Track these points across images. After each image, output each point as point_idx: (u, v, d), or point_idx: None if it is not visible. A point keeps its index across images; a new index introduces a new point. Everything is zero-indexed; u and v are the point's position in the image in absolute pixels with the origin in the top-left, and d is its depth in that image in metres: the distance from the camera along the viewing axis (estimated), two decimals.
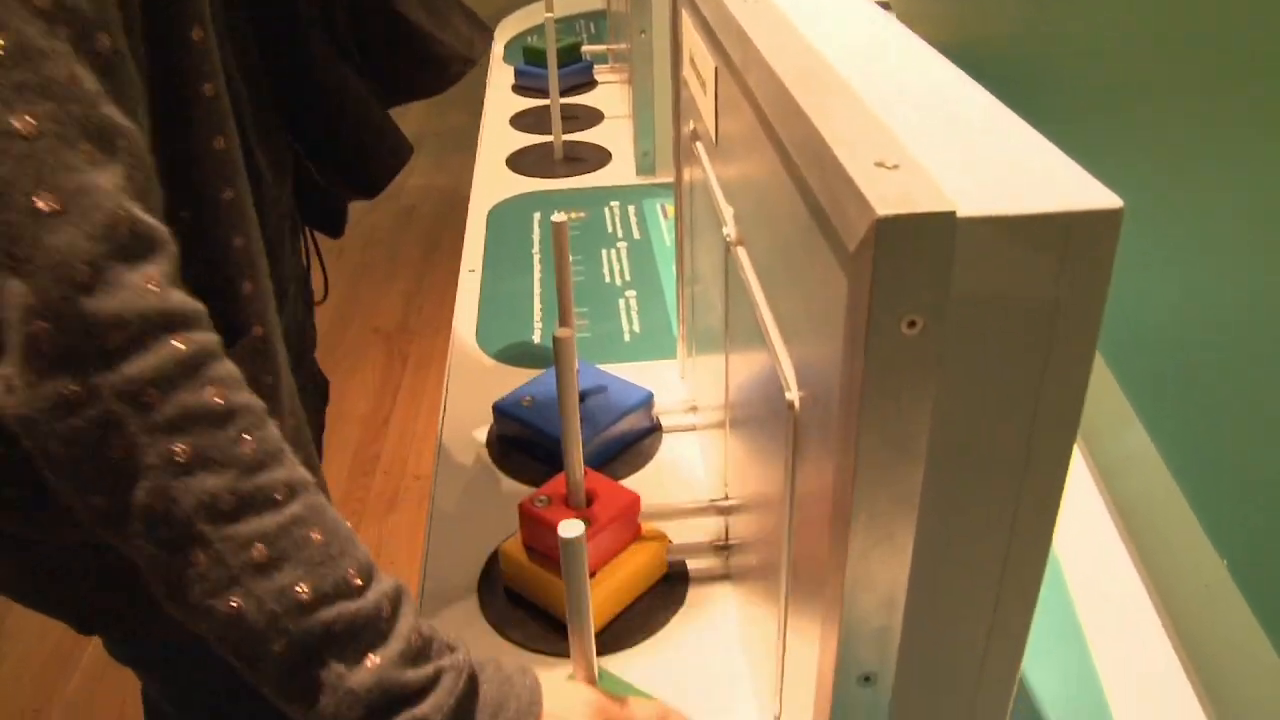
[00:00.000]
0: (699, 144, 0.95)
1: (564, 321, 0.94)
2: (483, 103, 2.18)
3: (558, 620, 0.92)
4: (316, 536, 0.62)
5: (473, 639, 0.92)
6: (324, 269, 1.10)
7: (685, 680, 0.88)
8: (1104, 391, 1.04)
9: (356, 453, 2.70)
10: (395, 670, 0.63)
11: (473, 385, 1.26)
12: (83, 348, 0.56)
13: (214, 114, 0.73)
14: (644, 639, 0.92)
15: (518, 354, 1.32)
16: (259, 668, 0.62)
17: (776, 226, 0.62)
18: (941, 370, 0.46)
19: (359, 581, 0.63)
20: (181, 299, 0.60)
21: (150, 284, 0.58)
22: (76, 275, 0.56)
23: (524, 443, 1.13)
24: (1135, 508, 1.03)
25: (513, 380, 1.25)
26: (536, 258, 1.55)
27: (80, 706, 2.08)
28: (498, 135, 2.01)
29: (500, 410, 1.13)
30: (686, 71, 1.00)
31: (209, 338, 0.61)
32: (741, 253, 0.75)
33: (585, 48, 2.27)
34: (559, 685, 0.74)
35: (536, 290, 1.46)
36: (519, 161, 1.88)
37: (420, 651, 0.65)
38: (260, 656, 0.61)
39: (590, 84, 2.24)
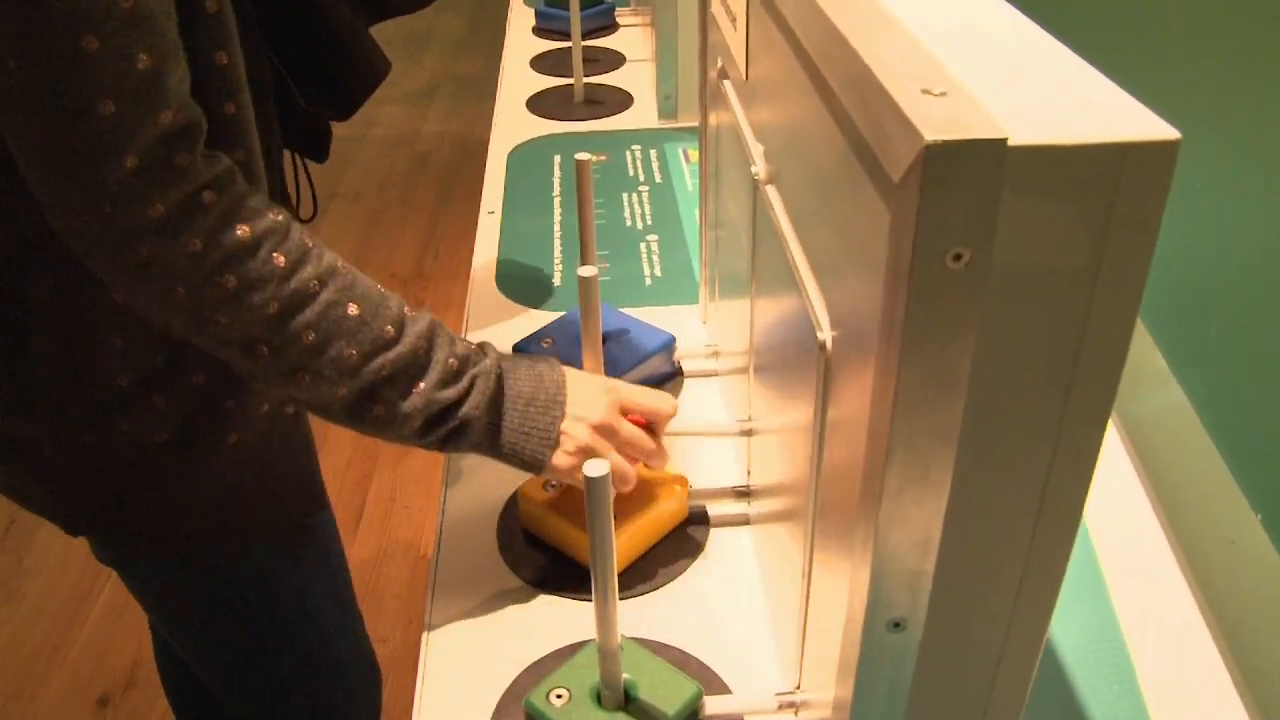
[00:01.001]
0: (727, 83, 0.93)
1: (586, 260, 0.93)
2: (499, 48, 2.15)
3: (576, 563, 0.92)
4: (353, 310, 0.77)
5: (491, 582, 0.92)
6: (313, 189, 1.10)
7: (704, 627, 0.87)
8: (1135, 343, 1.02)
9: None
10: (438, 391, 0.80)
11: (492, 326, 1.25)
12: (144, 219, 0.69)
13: (218, 30, 0.75)
14: (663, 584, 0.91)
15: (537, 295, 1.31)
16: (331, 412, 0.79)
17: (811, 161, 0.61)
18: (985, 304, 0.45)
19: (393, 332, 0.78)
20: (211, 165, 0.72)
21: (191, 162, 0.70)
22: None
23: None
24: (1161, 459, 1.01)
25: (532, 321, 1.24)
26: (557, 200, 1.53)
27: (97, 644, 2.09)
28: (518, 77, 1.98)
29: (520, 351, 1.12)
30: (715, 8, 0.97)
31: (235, 187, 0.73)
32: (771, 191, 0.73)
33: None
34: (580, 377, 0.88)
35: (556, 232, 1.45)
36: (539, 104, 1.86)
37: (457, 371, 0.81)
38: (329, 405, 0.78)
39: (612, 26, 2.21)
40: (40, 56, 0.64)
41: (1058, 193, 0.43)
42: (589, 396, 0.86)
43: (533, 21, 2.25)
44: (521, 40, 2.17)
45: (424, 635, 0.88)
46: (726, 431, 1.00)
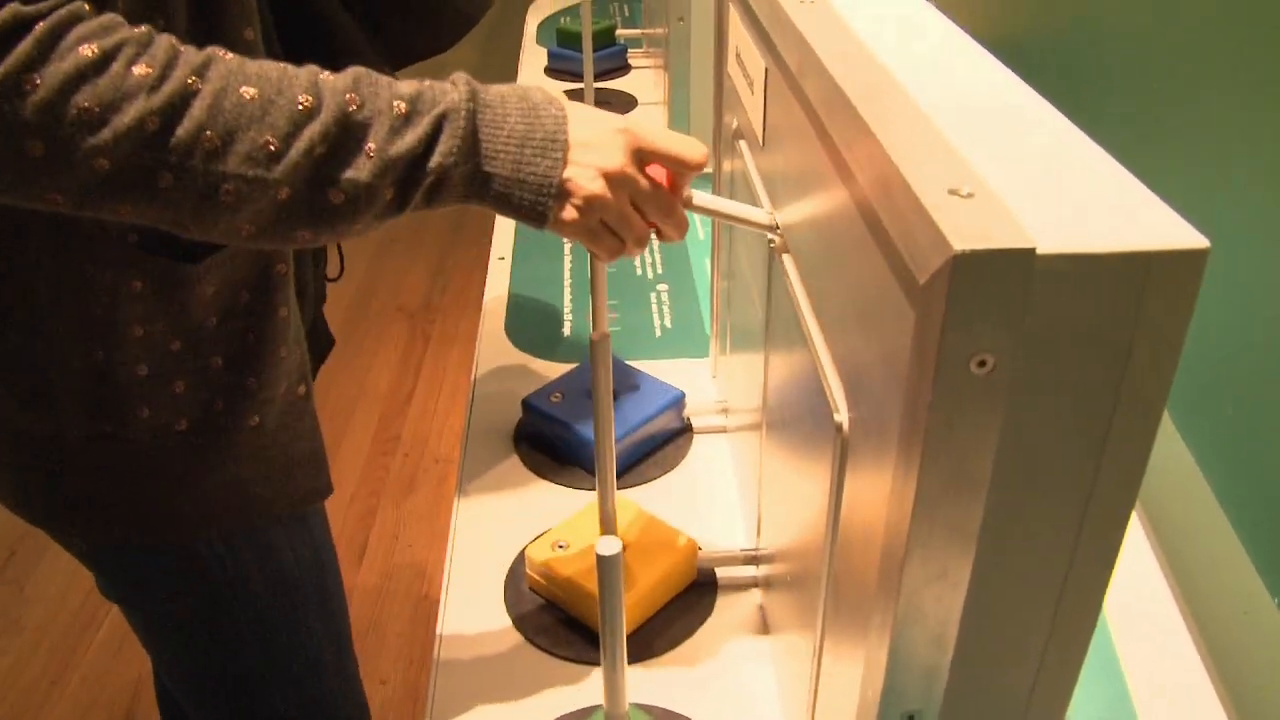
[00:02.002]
0: (742, 142, 0.93)
1: (598, 322, 0.92)
2: (508, 81, 2.16)
3: (581, 624, 0.91)
4: (249, 93, 0.65)
5: (498, 640, 0.91)
6: (339, 246, 1.09)
7: (713, 692, 0.86)
8: None
9: (377, 432, 2.69)
10: (391, 144, 0.67)
11: (501, 377, 1.25)
12: None
13: (244, 5, 0.75)
14: (672, 648, 0.90)
15: (547, 346, 1.30)
16: (289, 220, 0.67)
17: (830, 241, 0.60)
18: (1008, 405, 0.44)
19: (310, 100, 0.66)
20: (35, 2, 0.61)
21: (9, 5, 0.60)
22: None
23: (552, 439, 1.11)
24: (1175, 531, 1.00)
25: (541, 372, 1.24)
26: (567, 246, 1.53)
27: (97, 677, 2.08)
28: None
29: (529, 406, 1.11)
30: (732, 68, 0.97)
31: (66, 9, 0.62)
32: (788, 261, 0.73)
33: (620, 31, 2.25)
34: (586, 111, 0.74)
35: (567, 279, 1.44)
36: None
37: (408, 115, 0.68)
38: (280, 213, 0.66)
39: (624, 68, 2.22)
40: None
41: (1084, 298, 0.42)
42: (598, 135, 0.74)
43: (545, 62, 2.25)
44: (534, 80, 2.18)
45: (429, 704, 0.87)
46: (757, 220, 0.82)
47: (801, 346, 0.70)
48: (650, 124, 0.75)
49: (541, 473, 1.10)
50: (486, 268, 1.51)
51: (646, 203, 0.75)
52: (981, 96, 0.56)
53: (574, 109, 0.74)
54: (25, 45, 0.60)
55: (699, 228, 1.58)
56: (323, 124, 0.66)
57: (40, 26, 0.60)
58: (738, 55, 0.93)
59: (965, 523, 0.47)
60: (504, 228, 1.59)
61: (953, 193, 0.43)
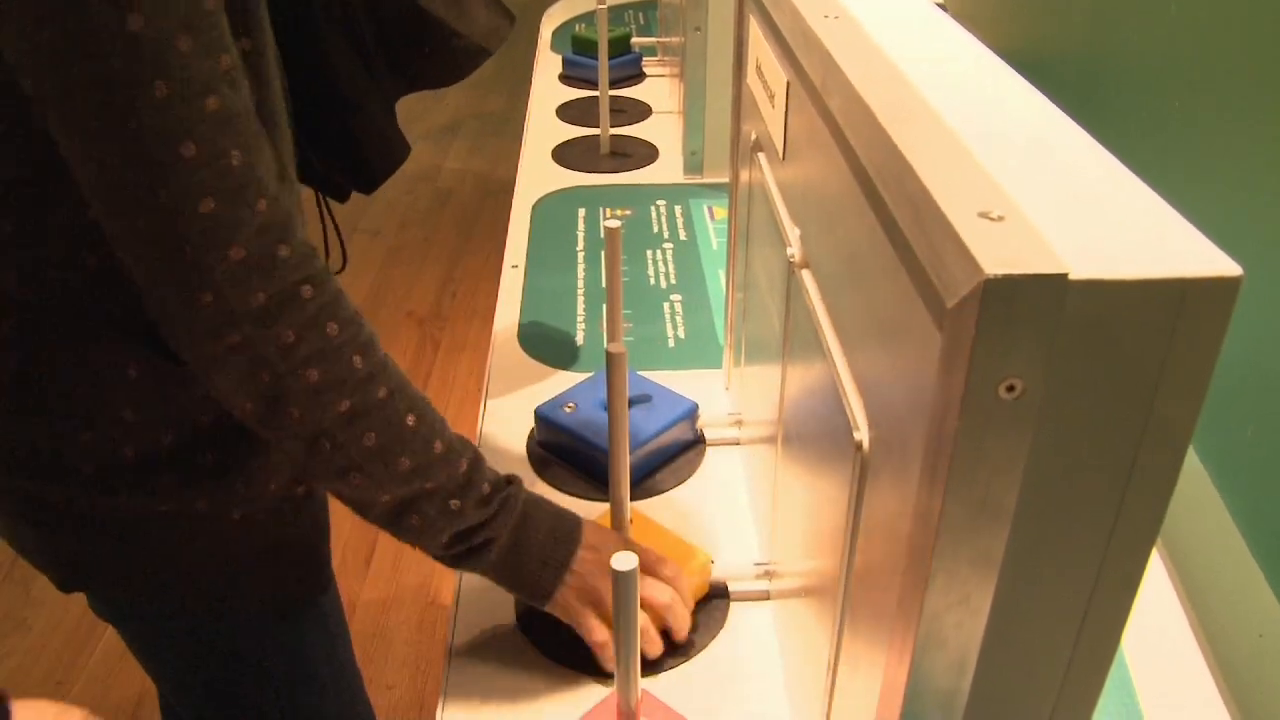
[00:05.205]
0: (761, 155, 0.92)
1: (613, 334, 0.92)
2: (521, 87, 2.16)
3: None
4: (411, 421, 0.80)
5: (508, 650, 0.91)
6: (340, 237, 1.10)
7: (724, 707, 0.86)
8: None
9: None
10: (473, 510, 0.83)
11: (513, 385, 1.24)
12: (244, 307, 0.71)
13: (255, 69, 0.76)
14: (683, 661, 0.90)
15: (560, 356, 1.30)
16: (368, 512, 0.82)
17: (852, 258, 0.60)
18: (1035, 430, 0.44)
19: (442, 449, 0.82)
20: (310, 260, 0.74)
21: (291, 254, 0.73)
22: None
23: (565, 449, 1.11)
24: (1190, 553, 1.00)
25: (554, 381, 1.24)
26: (580, 255, 1.53)
27: (101, 680, 2.08)
28: (544, 126, 1.99)
29: (542, 416, 1.11)
30: (751, 79, 0.97)
31: (331, 284, 0.76)
32: (807, 277, 0.72)
33: (635, 40, 2.24)
34: (594, 526, 0.90)
35: (580, 289, 1.44)
36: (564, 154, 1.86)
37: (489, 496, 0.84)
38: (370, 505, 0.81)
39: (639, 76, 2.21)
40: (142, 161, 0.66)
41: (1115, 325, 0.42)
42: (606, 539, 0.89)
43: (559, 69, 2.25)
44: (548, 88, 2.18)
45: (438, 713, 0.87)
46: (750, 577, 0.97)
47: (819, 361, 0.69)
48: (648, 550, 0.91)
49: (554, 483, 1.09)
50: (495, 276, 1.51)
51: (646, 595, 0.88)
52: (1011, 117, 0.55)
53: (586, 520, 0.90)
54: (298, 307, 0.73)
55: (713, 238, 1.58)
56: (446, 472, 0.82)
57: (310, 292, 0.74)
58: (758, 68, 0.92)
59: (989, 549, 0.46)
60: (517, 236, 1.58)
61: (983, 215, 0.43)
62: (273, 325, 0.72)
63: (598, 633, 0.87)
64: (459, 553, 0.85)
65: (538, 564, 0.86)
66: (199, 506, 0.89)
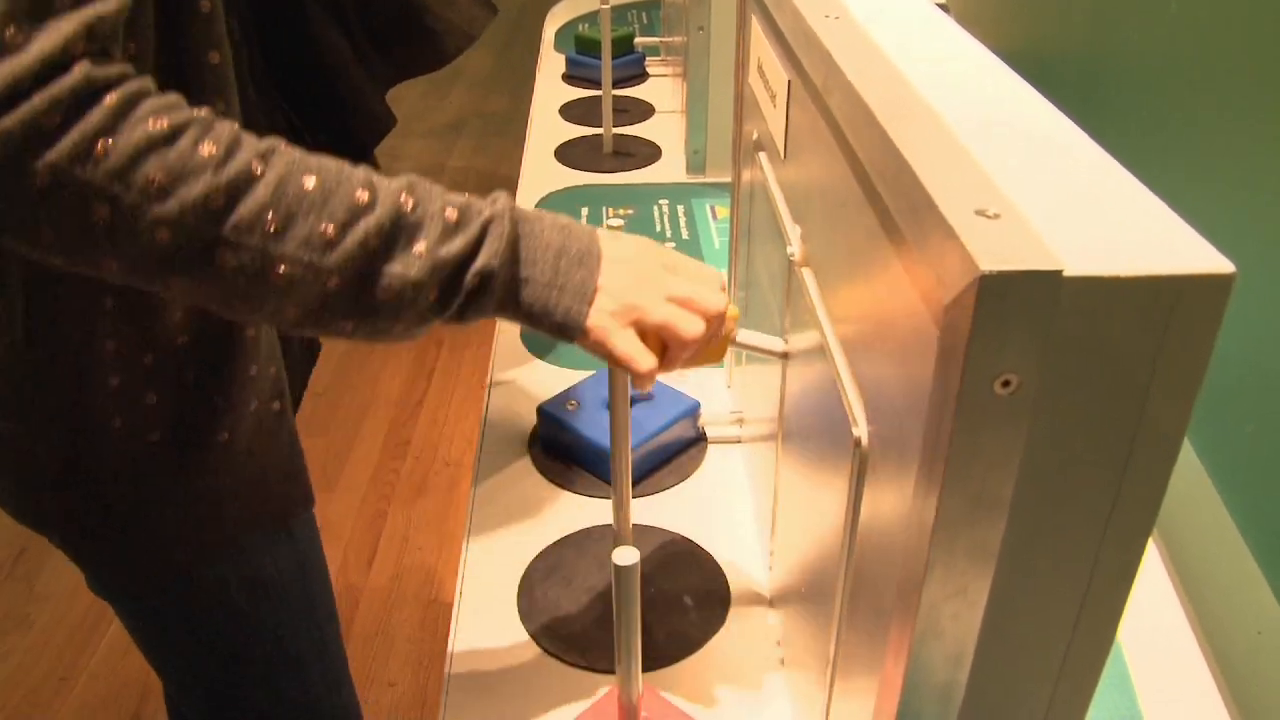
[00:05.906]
0: (762, 154, 0.93)
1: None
2: (524, 86, 2.17)
3: (595, 632, 0.91)
4: (310, 183, 0.66)
5: (510, 646, 0.91)
6: None
7: (725, 703, 0.86)
8: None
9: (388, 435, 2.69)
10: (442, 246, 0.69)
11: (516, 383, 1.25)
12: (28, 135, 0.59)
13: (211, 28, 0.76)
14: (685, 657, 0.90)
15: (562, 352, 1.30)
16: (333, 309, 0.68)
17: (851, 256, 0.60)
18: (1031, 424, 0.44)
19: (367, 195, 0.68)
20: (104, 68, 0.62)
21: (79, 65, 0.60)
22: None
23: (567, 446, 1.12)
24: (1189, 550, 1.00)
25: (557, 379, 1.24)
26: None
27: (105, 676, 2.09)
28: (547, 124, 1.99)
29: (545, 413, 1.12)
30: (753, 79, 0.98)
31: (135, 84, 0.63)
32: (808, 275, 0.73)
33: (638, 39, 2.25)
34: (613, 235, 0.78)
35: None
36: (567, 153, 1.87)
37: (459, 221, 0.70)
38: (327, 301, 0.67)
39: (642, 76, 2.22)
40: None
41: (1109, 321, 0.42)
42: (628, 250, 0.77)
43: (562, 68, 2.26)
44: (551, 87, 2.18)
45: (441, 710, 0.87)
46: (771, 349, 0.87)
47: (819, 359, 0.70)
48: (677, 256, 0.79)
49: (556, 480, 1.10)
50: None
51: (682, 309, 0.76)
52: (1008, 116, 0.56)
53: (601, 230, 0.78)
54: (98, 112, 0.61)
55: (715, 237, 1.58)
56: (378, 219, 0.67)
57: (113, 96, 0.61)
58: (759, 66, 0.93)
59: (986, 541, 0.47)
60: None
61: (980, 213, 0.43)
62: (60, 139, 0.60)
63: (643, 360, 0.75)
64: (460, 305, 0.72)
65: (554, 291, 0.74)
66: (188, 424, 0.88)
